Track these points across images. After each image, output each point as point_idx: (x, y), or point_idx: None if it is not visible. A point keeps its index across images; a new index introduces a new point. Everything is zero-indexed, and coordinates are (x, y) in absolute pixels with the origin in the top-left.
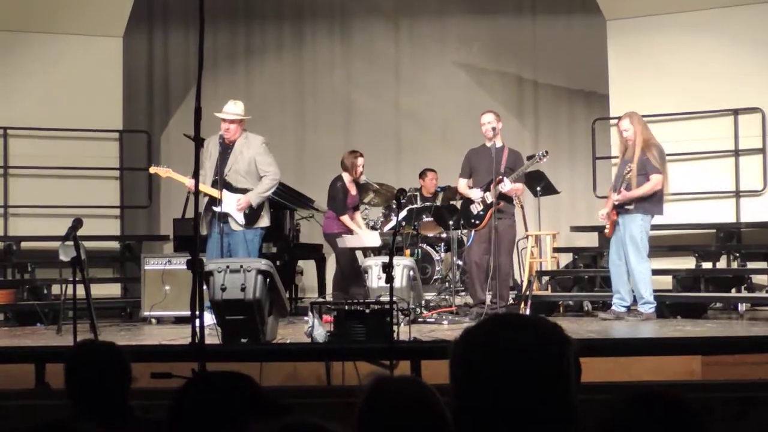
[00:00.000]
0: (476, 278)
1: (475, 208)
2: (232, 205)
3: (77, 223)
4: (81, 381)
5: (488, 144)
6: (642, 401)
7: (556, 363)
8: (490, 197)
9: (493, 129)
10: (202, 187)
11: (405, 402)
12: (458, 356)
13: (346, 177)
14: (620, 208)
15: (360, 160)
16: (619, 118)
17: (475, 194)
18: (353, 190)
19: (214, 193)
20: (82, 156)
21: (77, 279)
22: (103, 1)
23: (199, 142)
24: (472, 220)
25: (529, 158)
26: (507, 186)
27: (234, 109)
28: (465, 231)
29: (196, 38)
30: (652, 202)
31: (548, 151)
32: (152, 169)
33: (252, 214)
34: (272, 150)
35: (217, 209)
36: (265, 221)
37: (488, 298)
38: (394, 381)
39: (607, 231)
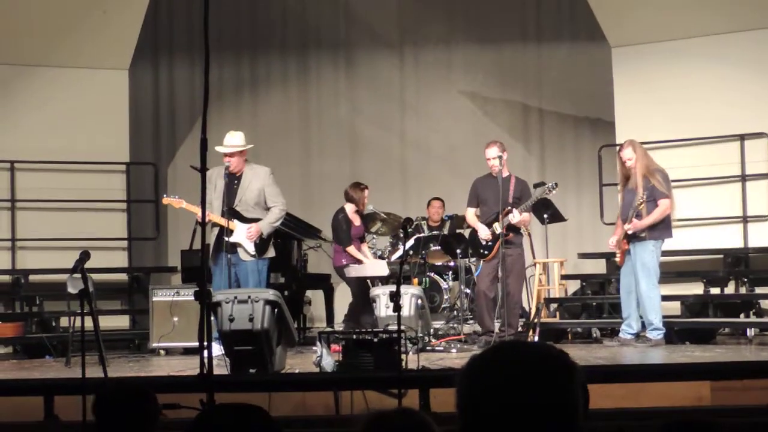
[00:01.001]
0: (485, 308)
1: (484, 240)
2: (242, 234)
3: (85, 255)
4: (112, 420)
5: (495, 174)
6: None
7: (562, 391)
8: (498, 228)
9: (499, 159)
10: (213, 217)
11: None
12: (464, 385)
13: (349, 208)
14: (632, 237)
15: (366, 192)
16: (619, 146)
17: (483, 233)
18: (357, 221)
19: (225, 223)
20: (89, 188)
21: (85, 311)
22: (109, 34)
23: (205, 173)
24: (481, 250)
25: (536, 186)
26: (516, 218)
27: (233, 140)
28: (473, 260)
29: (202, 70)
30: (662, 227)
31: (557, 184)
32: (165, 200)
33: (262, 244)
34: (278, 180)
35: (227, 239)
36: (271, 252)
37: (497, 325)
38: (391, 414)
39: (618, 259)
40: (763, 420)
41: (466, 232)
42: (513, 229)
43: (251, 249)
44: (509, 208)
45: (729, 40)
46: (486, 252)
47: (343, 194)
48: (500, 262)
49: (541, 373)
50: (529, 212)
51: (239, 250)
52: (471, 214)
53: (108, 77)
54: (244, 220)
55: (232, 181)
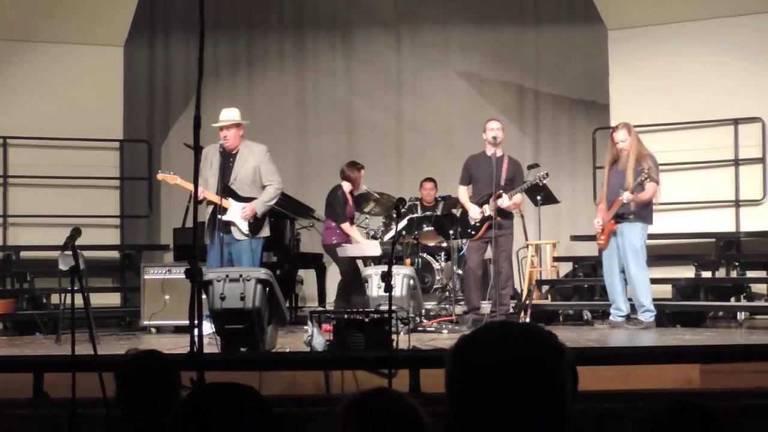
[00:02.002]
0: (473, 285)
1: (473, 219)
2: (237, 213)
3: (76, 232)
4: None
5: (489, 152)
6: (676, 412)
7: (550, 373)
8: (488, 210)
9: (494, 137)
10: (208, 195)
11: (382, 414)
12: (452, 366)
13: (346, 187)
14: (620, 218)
15: (362, 173)
16: (613, 129)
17: (474, 213)
18: (351, 201)
19: (219, 200)
20: (83, 165)
21: (76, 288)
22: (105, 11)
23: (198, 151)
24: (469, 230)
25: (530, 167)
26: (506, 203)
27: (228, 115)
28: (464, 240)
29: (197, 47)
30: (649, 210)
31: (548, 174)
32: (160, 176)
33: (256, 224)
34: (273, 159)
35: (221, 218)
36: (266, 231)
37: (488, 306)
38: (371, 394)
39: (601, 242)
40: (753, 403)
41: (459, 213)
42: (502, 212)
43: (245, 228)
44: (500, 191)
45: (725, 25)
46: (473, 233)
47: (339, 173)
48: (494, 244)
49: (529, 354)
50: (522, 194)
51: (233, 229)
52: (463, 192)
53: (103, 53)
54: (239, 198)
55: (228, 158)
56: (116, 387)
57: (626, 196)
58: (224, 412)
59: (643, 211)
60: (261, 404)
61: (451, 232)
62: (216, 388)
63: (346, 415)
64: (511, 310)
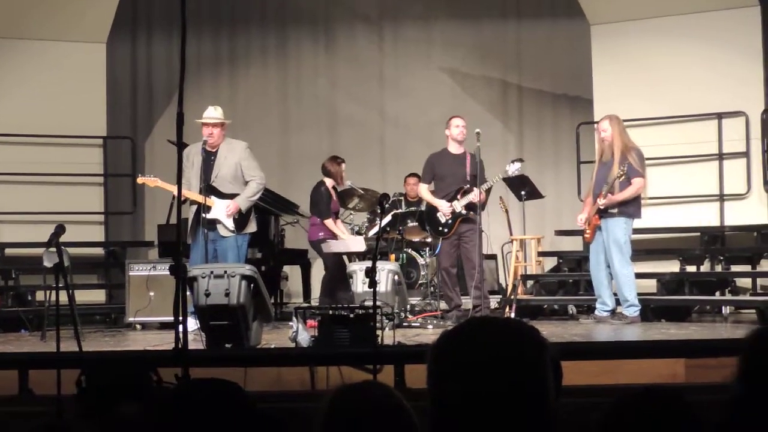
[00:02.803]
0: (449, 284)
1: (443, 217)
2: (221, 211)
3: (60, 229)
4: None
5: (452, 149)
6: (641, 399)
7: (531, 369)
8: (459, 206)
9: (464, 134)
10: (190, 195)
11: (369, 407)
12: (433, 362)
13: (329, 182)
14: (603, 213)
15: (343, 167)
16: (598, 121)
17: (444, 207)
18: (333, 196)
19: (202, 199)
20: (66, 162)
21: (60, 285)
22: (87, 8)
23: (182, 147)
24: (440, 228)
25: (514, 162)
26: (476, 196)
27: (214, 113)
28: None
29: (180, 44)
30: (635, 205)
31: (521, 159)
32: (140, 179)
33: (241, 220)
34: (256, 155)
35: (206, 216)
36: (252, 226)
37: (470, 301)
38: (357, 386)
39: (587, 236)
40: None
41: (425, 210)
42: (471, 207)
43: (230, 225)
44: (467, 186)
45: (708, 19)
46: (446, 230)
47: (321, 169)
48: (459, 238)
49: (511, 350)
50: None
51: (218, 226)
52: (426, 190)
53: (86, 51)
54: (222, 196)
55: (209, 156)
56: (82, 388)
57: (600, 201)
58: (208, 409)
59: (628, 206)
60: (244, 400)
61: (427, 228)
62: (200, 385)
63: (331, 407)
64: (496, 305)
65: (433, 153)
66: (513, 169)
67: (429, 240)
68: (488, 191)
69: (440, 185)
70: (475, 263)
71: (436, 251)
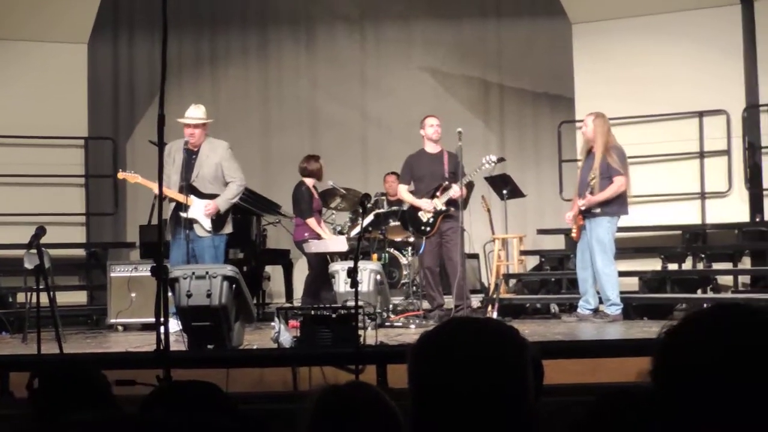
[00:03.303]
0: (432, 284)
1: (425, 216)
2: (200, 211)
3: (40, 230)
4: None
5: (429, 149)
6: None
7: (512, 368)
8: (440, 204)
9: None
10: (170, 193)
11: (355, 407)
12: (415, 361)
13: (309, 182)
14: (587, 213)
15: (321, 163)
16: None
17: (426, 205)
18: (315, 195)
19: (182, 198)
20: (47, 163)
21: (41, 287)
22: (68, 8)
23: (162, 148)
24: (422, 227)
25: (499, 161)
26: (457, 192)
27: (196, 113)
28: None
29: (161, 45)
30: (618, 203)
31: (503, 158)
32: (121, 175)
33: (219, 220)
34: (237, 156)
35: (184, 215)
36: (229, 227)
37: (452, 301)
38: (344, 387)
39: (574, 235)
40: None
41: (406, 211)
42: (452, 203)
43: (208, 225)
44: (446, 183)
45: (689, 18)
46: (428, 229)
47: (299, 171)
48: (441, 237)
49: (491, 350)
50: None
51: (195, 226)
52: (405, 191)
53: (67, 51)
54: (202, 195)
55: (190, 155)
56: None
57: (580, 203)
58: (189, 410)
59: (611, 206)
60: (225, 401)
61: (410, 228)
62: (179, 386)
63: (317, 407)
64: (478, 305)
65: (410, 154)
66: (488, 159)
67: (411, 240)
68: (469, 187)
69: (419, 186)
70: (456, 262)
71: (420, 251)
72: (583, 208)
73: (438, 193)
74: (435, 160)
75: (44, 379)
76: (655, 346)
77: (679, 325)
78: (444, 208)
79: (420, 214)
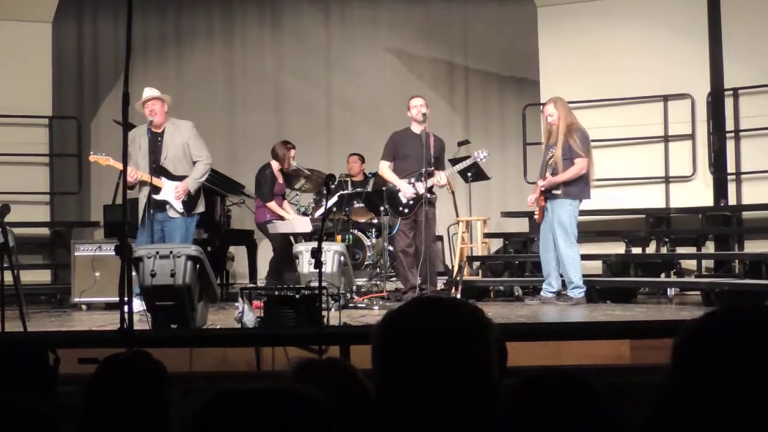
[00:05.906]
0: (406, 265)
1: (404, 197)
2: (170, 192)
3: (5, 208)
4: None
5: (415, 130)
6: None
7: (475, 348)
8: (421, 188)
9: (424, 114)
10: (143, 176)
11: (331, 383)
12: (379, 340)
13: (275, 165)
14: (548, 194)
15: (292, 152)
16: (544, 104)
17: (407, 189)
18: (281, 179)
19: (155, 181)
20: (11, 142)
21: (5, 265)
22: None
23: (127, 127)
24: (401, 209)
25: (461, 144)
26: (443, 180)
27: (151, 92)
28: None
29: (126, 24)
30: (579, 186)
31: (489, 154)
32: (92, 158)
33: (190, 201)
34: (203, 135)
35: (156, 197)
36: (201, 207)
37: (419, 281)
38: (318, 362)
39: (536, 217)
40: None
41: (385, 189)
42: (430, 189)
43: (179, 207)
44: (432, 169)
45: (654, 2)
46: (406, 211)
47: (270, 151)
48: (416, 219)
49: (455, 330)
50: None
51: (167, 207)
52: (387, 168)
53: (31, 29)
54: (172, 177)
55: (156, 138)
56: None
57: (540, 183)
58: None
59: (572, 187)
60: (156, 368)
61: (381, 208)
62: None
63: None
64: (442, 286)
65: (396, 131)
66: (479, 154)
67: (375, 221)
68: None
69: (402, 165)
70: (428, 248)
71: (395, 230)
72: (543, 188)
73: (423, 179)
74: (419, 141)
75: None
76: (673, 347)
77: (697, 327)
78: (428, 194)
79: (400, 194)
